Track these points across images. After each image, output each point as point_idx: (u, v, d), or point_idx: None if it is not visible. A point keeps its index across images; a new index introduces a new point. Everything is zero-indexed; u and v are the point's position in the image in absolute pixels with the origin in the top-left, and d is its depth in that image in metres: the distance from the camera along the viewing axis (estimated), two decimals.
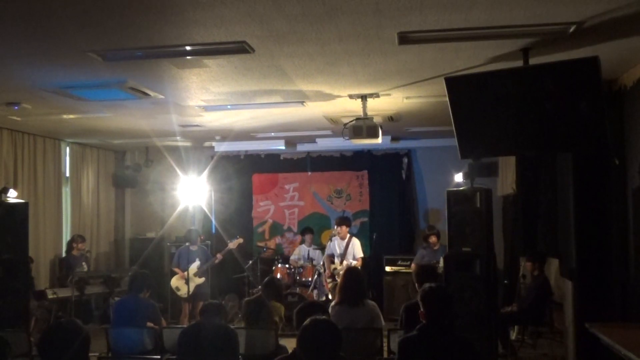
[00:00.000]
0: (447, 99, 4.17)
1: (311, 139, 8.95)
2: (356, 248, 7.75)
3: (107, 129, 7.59)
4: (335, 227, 7.87)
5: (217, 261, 7.91)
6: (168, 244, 8.99)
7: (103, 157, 9.75)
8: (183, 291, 7.61)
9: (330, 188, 9.62)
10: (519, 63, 4.10)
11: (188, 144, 9.30)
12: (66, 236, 8.60)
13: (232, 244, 7.93)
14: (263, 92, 5.43)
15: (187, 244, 7.92)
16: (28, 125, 7.26)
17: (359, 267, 7.23)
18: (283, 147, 9.12)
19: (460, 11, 3.29)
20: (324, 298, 7.60)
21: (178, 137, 8.52)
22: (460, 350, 3.18)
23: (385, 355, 4.76)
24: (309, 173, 9.70)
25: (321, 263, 7.93)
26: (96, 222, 9.43)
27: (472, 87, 4.14)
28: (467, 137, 4.27)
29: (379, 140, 5.82)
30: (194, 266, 7.70)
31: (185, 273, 7.63)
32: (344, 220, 7.97)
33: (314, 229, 9.00)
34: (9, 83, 5.02)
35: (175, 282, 7.71)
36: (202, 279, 7.74)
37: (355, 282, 4.80)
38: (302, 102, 5.89)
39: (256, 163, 9.89)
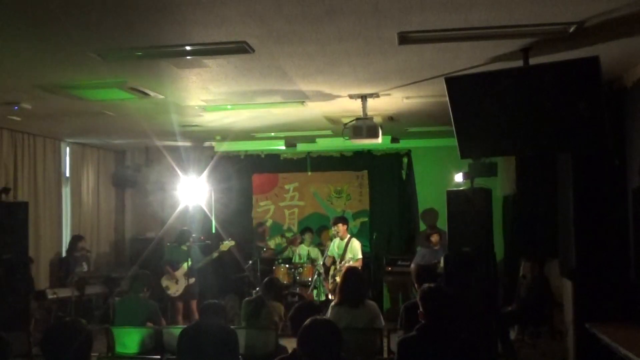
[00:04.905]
0: (447, 99, 4.17)
1: (311, 139, 8.95)
2: (355, 249, 7.74)
3: (107, 129, 7.59)
4: (333, 227, 7.86)
5: (212, 258, 7.88)
6: (168, 244, 8.98)
7: (103, 157, 9.75)
8: (172, 290, 7.57)
9: (330, 188, 9.62)
10: (519, 63, 4.10)
11: (188, 144, 9.31)
12: (66, 236, 8.60)
13: (224, 246, 7.90)
14: (263, 92, 5.43)
15: (175, 244, 7.89)
16: (28, 125, 7.26)
17: (359, 268, 7.23)
18: (283, 147, 9.12)
19: (460, 11, 3.28)
20: (323, 298, 7.60)
21: (178, 137, 8.52)
22: (460, 350, 3.18)
23: (385, 355, 4.77)
24: (309, 173, 9.70)
25: (321, 263, 7.93)
26: (96, 222, 9.43)
27: (472, 87, 4.14)
28: (467, 137, 4.27)
29: (379, 140, 5.81)
30: (185, 266, 7.66)
31: (176, 273, 7.60)
32: (339, 219, 7.96)
33: (313, 229, 9.01)
34: (9, 83, 5.02)
35: (164, 281, 7.63)
36: (192, 279, 7.69)
37: (355, 282, 4.80)
38: (302, 102, 5.89)
39: (256, 163, 9.89)
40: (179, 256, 7.71)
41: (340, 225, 7.79)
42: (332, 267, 7.74)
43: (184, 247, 7.76)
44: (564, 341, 6.08)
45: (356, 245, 7.76)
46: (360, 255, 7.71)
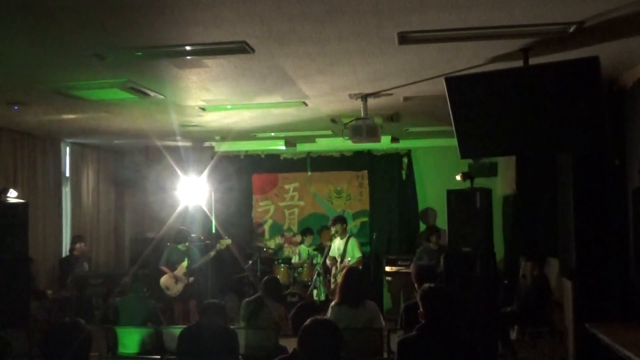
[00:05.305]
0: (447, 98, 4.17)
1: (311, 139, 8.96)
2: (354, 248, 7.75)
3: (107, 129, 7.59)
4: (332, 228, 7.86)
5: (208, 259, 7.86)
6: (168, 244, 8.99)
7: (103, 157, 9.75)
8: (173, 291, 7.55)
9: (330, 188, 9.63)
10: (519, 63, 4.10)
11: (188, 144, 9.31)
12: (66, 236, 8.60)
13: (220, 244, 7.90)
14: (263, 92, 5.43)
15: (168, 244, 7.88)
16: (28, 125, 7.26)
17: (359, 267, 7.23)
18: (283, 147, 9.12)
19: (460, 11, 3.29)
20: (323, 298, 7.60)
21: (178, 137, 8.52)
22: (460, 350, 3.18)
23: (385, 355, 4.76)
24: (309, 173, 9.70)
25: (321, 263, 7.93)
26: (96, 222, 9.43)
27: (472, 87, 4.14)
28: (467, 137, 4.27)
29: (379, 140, 5.81)
30: (183, 266, 7.64)
31: (175, 273, 7.57)
32: (338, 219, 7.97)
33: (313, 229, 9.01)
34: (9, 83, 5.02)
35: (164, 281, 7.57)
36: (192, 279, 7.67)
37: (356, 282, 4.79)
38: (302, 102, 5.89)
39: (256, 163, 9.90)
40: (177, 256, 7.70)
41: (339, 225, 7.79)
42: (334, 267, 7.73)
43: (181, 247, 7.75)
44: (564, 341, 6.08)
45: (355, 244, 7.77)
46: (359, 254, 7.72)
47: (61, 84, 5.00)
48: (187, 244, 7.82)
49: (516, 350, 6.38)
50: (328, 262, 7.77)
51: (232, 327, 4.70)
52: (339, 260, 7.69)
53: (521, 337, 6.79)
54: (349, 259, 7.61)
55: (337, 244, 7.80)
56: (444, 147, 8.61)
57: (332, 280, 7.64)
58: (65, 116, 6.60)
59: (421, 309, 3.28)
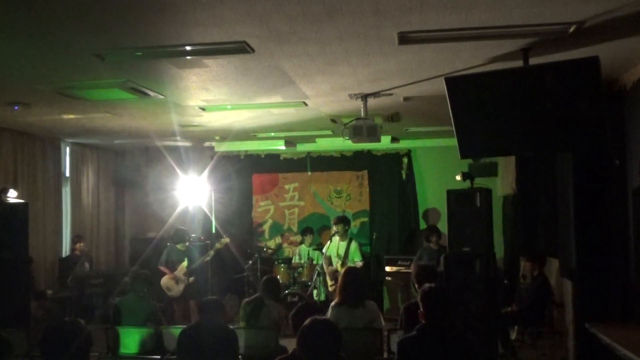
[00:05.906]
0: (447, 98, 4.17)
1: (311, 139, 8.96)
2: (356, 252, 7.77)
3: (107, 129, 7.59)
4: (334, 227, 7.86)
5: (207, 259, 7.86)
6: (168, 244, 8.99)
7: (103, 157, 9.75)
8: (174, 291, 7.54)
9: (330, 188, 9.62)
10: (519, 63, 4.10)
11: (188, 144, 9.31)
12: (66, 236, 8.61)
13: (219, 244, 7.91)
14: (263, 92, 5.43)
15: (168, 244, 7.87)
16: (28, 125, 7.26)
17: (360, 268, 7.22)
18: (283, 147, 9.12)
19: (460, 11, 3.29)
20: (323, 298, 7.59)
21: (178, 137, 8.52)
22: (460, 351, 3.18)
23: (385, 355, 4.76)
24: (309, 173, 9.70)
25: (321, 263, 7.93)
26: (96, 222, 9.43)
27: (472, 87, 4.14)
28: (467, 137, 4.27)
29: (379, 140, 5.80)
30: (183, 266, 7.63)
31: (175, 273, 7.57)
32: (341, 219, 7.97)
33: (313, 229, 9.01)
34: (9, 83, 5.02)
35: (165, 282, 7.57)
36: (192, 278, 7.66)
37: (355, 282, 4.80)
38: (302, 102, 5.89)
39: (256, 163, 9.89)
40: (176, 256, 7.70)
41: (341, 225, 7.79)
42: (331, 268, 7.72)
43: (180, 247, 7.75)
44: (564, 341, 6.08)
45: (357, 248, 7.81)
46: (359, 258, 7.75)
47: (61, 84, 5.00)
48: (186, 244, 7.82)
49: (516, 350, 6.39)
50: (324, 262, 7.77)
51: (232, 327, 4.70)
52: (339, 262, 7.68)
53: (521, 337, 6.79)
54: (356, 261, 7.63)
55: (336, 245, 7.79)
56: (444, 147, 8.60)
57: (330, 283, 7.63)
58: (65, 116, 6.61)
59: (421, 309, 3.27)
